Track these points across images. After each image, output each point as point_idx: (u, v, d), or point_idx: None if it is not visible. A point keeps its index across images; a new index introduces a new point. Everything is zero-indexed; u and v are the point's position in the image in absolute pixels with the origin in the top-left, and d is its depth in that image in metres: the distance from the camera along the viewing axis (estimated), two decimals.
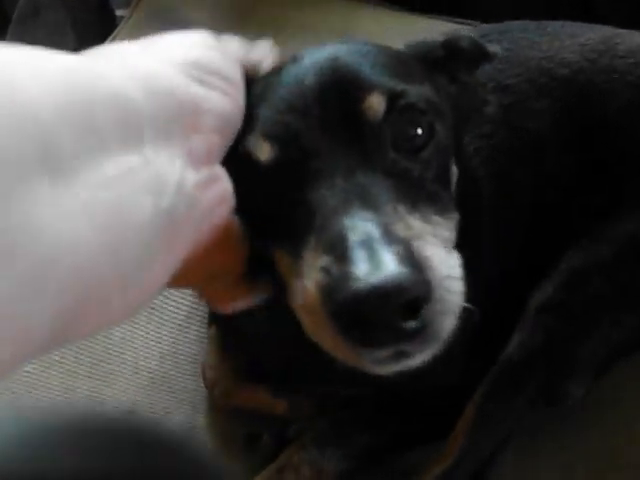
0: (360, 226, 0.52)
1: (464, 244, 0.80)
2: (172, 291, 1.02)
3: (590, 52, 0.87)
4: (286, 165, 0.57)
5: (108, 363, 0.98)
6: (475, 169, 0.81)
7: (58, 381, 0.96)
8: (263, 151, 0.57)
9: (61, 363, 0.97)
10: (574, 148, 0.84)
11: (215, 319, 0.95)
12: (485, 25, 0.99)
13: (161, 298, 1.02)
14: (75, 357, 0.98)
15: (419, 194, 0.57)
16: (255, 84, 0.61)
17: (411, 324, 0.49)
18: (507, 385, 0.78)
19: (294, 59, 0.62)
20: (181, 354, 0.98)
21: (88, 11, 1.56)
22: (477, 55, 0.71)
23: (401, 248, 0.50)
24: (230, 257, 0.59)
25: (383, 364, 0.53)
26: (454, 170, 0.65)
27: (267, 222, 0.59)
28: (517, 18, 1.00)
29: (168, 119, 0.51)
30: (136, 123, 0.48)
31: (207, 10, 1.35)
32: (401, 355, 0.52)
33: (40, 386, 0.96)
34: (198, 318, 1.01)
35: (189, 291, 1.00)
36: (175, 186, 0.50)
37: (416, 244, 0.52)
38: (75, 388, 0.96)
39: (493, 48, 0.72)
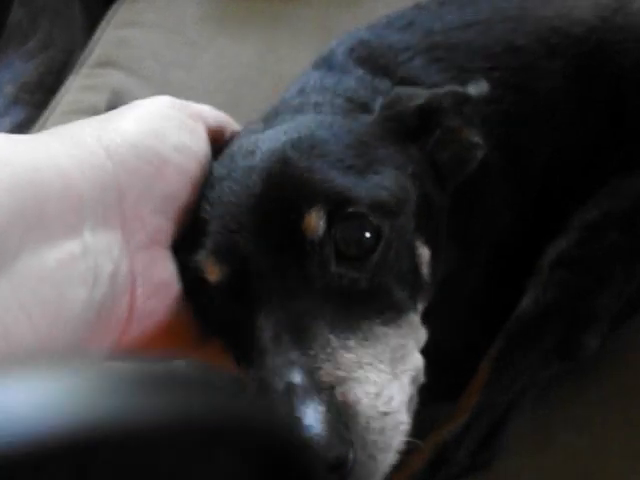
0: (284, 373, 0.53)
1: (474, 213, 0.81)
2: None
3: (603, 10, 0.86)
4: (234, 286, 0.58)
5: None
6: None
7: None
8: (213, 273, 0.58)
9: None
10: (587, 108, 0.84)
11: None
12: None
13: None
14: None
15: (365, 305, 0.58)
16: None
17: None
18: (522, 340, 0.78)
19: (248, 152, 0.64)
20: None
21: None
22: (460, 103, 0.71)
23: (322, 400, 0.51)
24: (180, 341, 0.60)
25: None
26: (423, 252, 0.64)
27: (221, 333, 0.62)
28: None
29: (108, 205, 0.52)
30: (78, 210, 0.50)
31: None
32: None
33: None
34: None
35: None
36: (109, 278, 0.51)
37: (341, 390, 0.53)
38: None
39: (475, 89, 0.72)
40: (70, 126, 0.57)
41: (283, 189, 0.59)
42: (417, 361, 0.62)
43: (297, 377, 0.52)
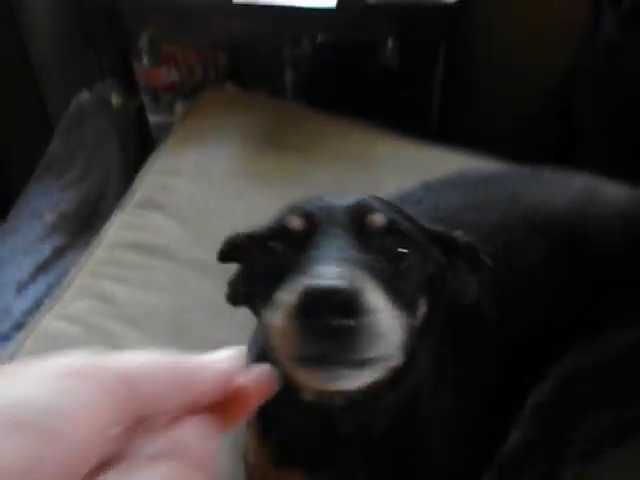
0: (327, 267, 0.68)
1: (472, 360, 0.97)
2: None
3: (578, 199, 1.06)
4: (306, 235, 0.76)
5: None
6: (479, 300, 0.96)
7: None
8: (296, 223, 0.77)
9: None
10: (567, 279, 1.02)
11: None
12: (492, 169, 1.19)
13: None
14: None
15: (387, 286, 0.74)
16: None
17: (347, 321, 0.65)
18: (509, 474, 0.93)
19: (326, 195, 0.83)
20: (223, 439, 1.11)
21: (128, 119, 1.75)
22: (472, 256, 0.87)
23: (351, 278, 0.66)
24: None
25: (328, 374, 0.68)
26: (421, 301, 0.80)
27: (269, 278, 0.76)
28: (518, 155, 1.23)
29: None
30: None
31: (239, 136, 1.52)
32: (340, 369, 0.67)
33: None
34: None
35: None
36: None
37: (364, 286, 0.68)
38: None
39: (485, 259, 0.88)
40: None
41: (357, 202, 0.78)
42: None
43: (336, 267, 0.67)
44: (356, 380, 0.70)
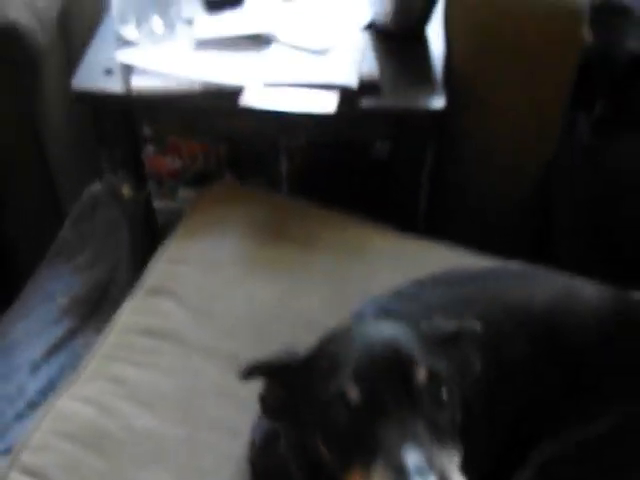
0: (413, 457, 0.78)
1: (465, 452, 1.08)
2: (216, 457, 1.25)
3: (557, 296, 1.18)
4: (363, 405, 0.84)
5: None
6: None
7: None
8: (353, 393, 0.85)
9: None
10: (548, 372, 1.12)
11: None
12: (479, 267, 1.31)
13: (210, 460, 1.25)
14: None
15: (438, 433, 0.84)
16: (328, 343, 0.94)
17: None
18: None
19: (362, 331, 0.94)
20: None
21: (138, 209, 1.85)
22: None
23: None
24: None
25: None
26: (458, 414, 0.91)
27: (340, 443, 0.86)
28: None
29: None
30: None
31: (241, 229, 1.62)
32: None
33: None
34: None
35: (234, 457, 1.23)
36: None
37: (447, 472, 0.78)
38: None
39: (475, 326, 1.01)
40: None
41: (397, 355, 0.87)
42: None
43: (422, 461, 0.77)
44: None
